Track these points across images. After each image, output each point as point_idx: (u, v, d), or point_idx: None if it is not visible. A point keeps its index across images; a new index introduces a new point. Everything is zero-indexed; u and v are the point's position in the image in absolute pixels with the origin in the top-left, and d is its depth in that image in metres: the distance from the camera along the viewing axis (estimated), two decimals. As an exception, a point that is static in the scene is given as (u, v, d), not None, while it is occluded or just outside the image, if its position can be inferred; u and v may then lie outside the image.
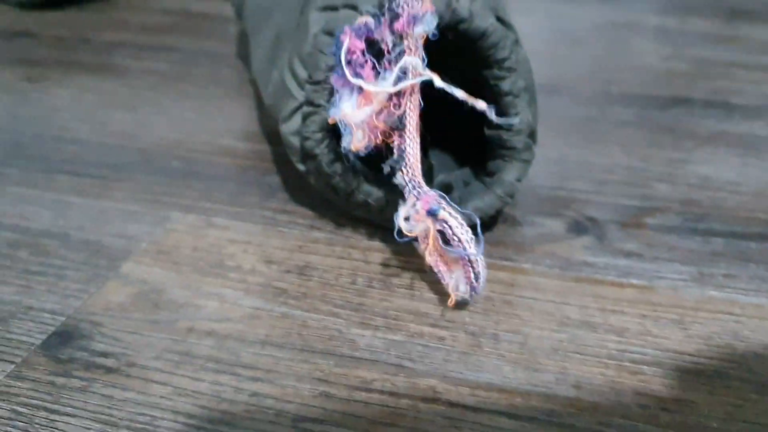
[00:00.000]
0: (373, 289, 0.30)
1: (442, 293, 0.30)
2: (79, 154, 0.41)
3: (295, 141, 0.31)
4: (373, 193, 0.31)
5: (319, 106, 0.30)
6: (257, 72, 0.38)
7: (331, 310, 0.29)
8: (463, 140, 0.36)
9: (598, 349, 0.27)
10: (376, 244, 0.33)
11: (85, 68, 0.53)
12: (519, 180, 0.31)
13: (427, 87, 0.28)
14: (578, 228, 0.35)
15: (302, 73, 0.31)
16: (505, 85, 0.30)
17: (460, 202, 0.31)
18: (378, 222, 0.33)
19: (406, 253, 0.32)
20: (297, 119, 0.31)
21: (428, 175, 0.35)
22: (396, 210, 0.29)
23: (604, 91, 0.49)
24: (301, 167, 0.32)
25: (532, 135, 0.32)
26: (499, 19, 0.30)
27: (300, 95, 0.31)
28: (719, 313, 0.29)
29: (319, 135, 0.30)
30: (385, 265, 0.32)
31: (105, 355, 0.27)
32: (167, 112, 0.46)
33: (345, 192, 0.31)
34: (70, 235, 0.34)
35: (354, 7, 0.30)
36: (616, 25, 0.63)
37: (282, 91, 0.32)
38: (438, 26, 0.28)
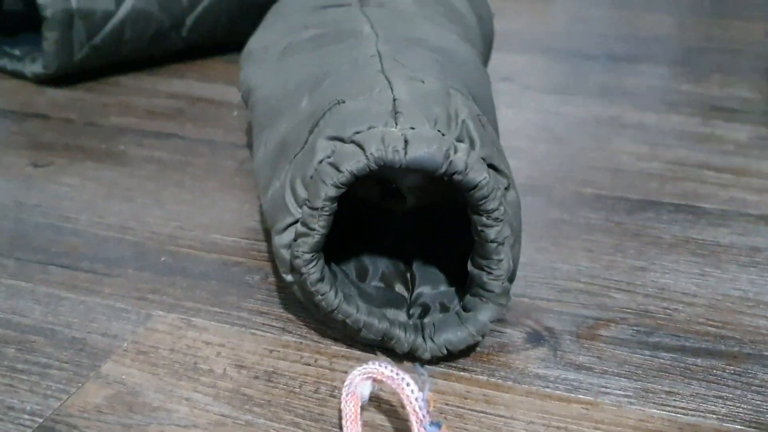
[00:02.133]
0: (335, 399, 0.33)
1: (398, 404, 0.32)
2: (76, 246, 0.44)
3: (285, 254, 0.34)
4: (351, 314, 0.33)
5: (312, 229, 0.32)
6: (258, 170, 0.41)
7: (293, 419, 0.31)
8: (454, 253, 0.38)
9: (538, 467, 0.29)
10: (343, 350, 0.36)
11: (89, 154, 0.56)
12: (492, 321, 0.33)
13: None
14: (535, 339, 0.37)
15: (302, 194, 0.33)
16: (491, 233, 0.32)
17: (434, 331, 0.34)
18: (352, 339, 0.35)
19: (369, 360, 0.35)
20: (290, 234, 0.33)
21: (408, 285, 0.38)
22: (371, 333, 0.32)
23: (578, 192, 0.52)
24: (287, 278, 0.34)
25: (510, 278, 0.34)
26: (493, 167, 0.33)
27: (297, 213, 0.33)
28: (657, 432, 0.31)
29: (308, 256, 0.33)
30: (347, 372, 0.34)
31: (77, 459, 0.29)
32: (163, 205, 0.49)
33: (325, 310, 0.33)
34: (57, 332, 0.37)
35: (360, 146, 0.32)
36: (599, 121, 0.65)
37: (280, 203, 0.34)
38: (435, 174, 0.31)
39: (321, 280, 0.33)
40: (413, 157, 0.31)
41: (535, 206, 0.50)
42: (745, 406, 0.33)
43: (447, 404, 0.32)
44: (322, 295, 0.33)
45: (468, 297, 0.34)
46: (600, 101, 0.71)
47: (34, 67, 0.70)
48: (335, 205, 0.32)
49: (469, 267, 0.34)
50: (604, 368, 0.35)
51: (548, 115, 0.67)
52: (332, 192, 0.31)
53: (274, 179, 0.37)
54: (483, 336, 0.34)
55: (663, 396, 0.33)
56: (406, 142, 0.31)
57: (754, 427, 0.31)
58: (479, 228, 0.32)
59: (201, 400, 0.32)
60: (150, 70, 0.77)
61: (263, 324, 0.37)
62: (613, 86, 0.76)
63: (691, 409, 0.32)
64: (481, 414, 0.32)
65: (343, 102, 0.35)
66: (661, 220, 0.48)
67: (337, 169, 0.31)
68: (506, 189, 0.33)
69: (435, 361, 0.34)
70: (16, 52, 0.73)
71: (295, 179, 0.33)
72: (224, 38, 0.82)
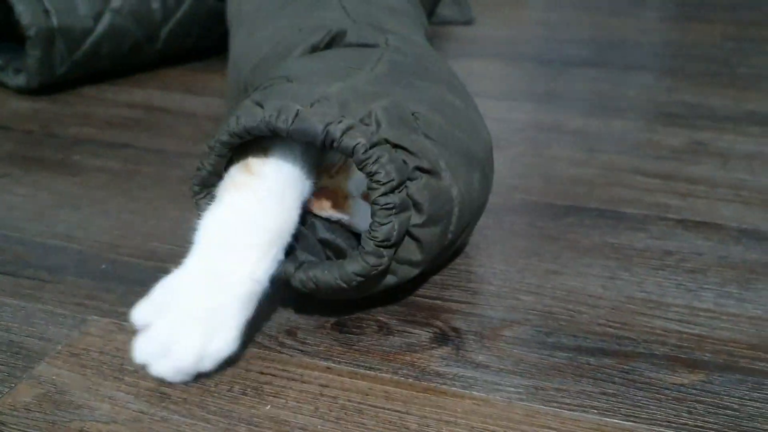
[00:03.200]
0: (246, 397, 0.35)
1: (305, 401, 0.35)
2: (21, 254, 0.47)
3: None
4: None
5: (203, 166, 0.39)
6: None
7: (204, 416, 0.34)
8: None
9: (424, 458, 0.32)
10: (259, 351, 0.38)
11: (45, 165, 0.59)
12: (358, 275, 0.37)
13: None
14: (441, 339, 0.39)
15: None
16: (373, 195, 0.36)
17: (310, 267, 0.38)
18: (276, 342, 0.38)
19: (283, 361, 0.37)
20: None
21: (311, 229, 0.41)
22: None
23: (508, 197, 0.54)
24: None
25: (390, 245, 0.37)
26: (401, 147, 0.37)
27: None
28: (540, 426, 0.34)
29: (197, 188, 0.39)
30: (261, 372, 0.37)
31: (-1, 454, 0.32)
32: (109, 214, 0.51)
33: None
34: (-5, 336, 0.39)
35: (261, 108, 0.37)
36: (542, 128, 0.68)
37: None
38: (316, 142, 0.36)
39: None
40: (296, 127, 0.36)
41: (464, 212, 0.52)
42: (626, 402, 0.35)
43: (349, 401, 0.35)
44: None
45: (352, 251, 0.39)
46: (546, 107, 0.73)
47: (17, 80, 0.74)
48: (227, 150, 0.38)
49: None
50: (501, 367, 0.37)
51: (494, 122, 0.69)
52: (224, 137, 0.37)
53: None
54: (346, 284, 0.37)
55: (552, 393, 0.36)
56: (296, 114, 0.36)
57: (632, 421, 0.34)
58: (368, 189, 0.36)
59: (122, 398, 0.35)
60: (112, 80, 0.79)
61: (189, 327, 0.40)
62: (562, 92, 0.78)
63: (576, 405, 0.35)
64: (380, 409, 0.34)
65: (290, 81, 0.40)
66: (583, 225, 0.51)
67: (236, 122, 0.37)
68: (422, 171, 0.37)
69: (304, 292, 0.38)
70: (-1, 61, 0.76)
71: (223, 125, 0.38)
72: (197, 46, 0.86)
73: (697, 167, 0.61)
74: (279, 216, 0.37)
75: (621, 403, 0.35)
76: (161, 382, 0.36)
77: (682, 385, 0.36)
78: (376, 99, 0.38)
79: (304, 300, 0.42)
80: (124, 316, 0.41)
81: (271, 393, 0.35)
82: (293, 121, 0.36)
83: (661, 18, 1.17)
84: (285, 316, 0.41)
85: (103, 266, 0.45)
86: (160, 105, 0.72)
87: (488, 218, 0.52)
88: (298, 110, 0.36)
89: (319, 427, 0.33)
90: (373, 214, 0.36)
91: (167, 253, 0.47)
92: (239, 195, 0.37)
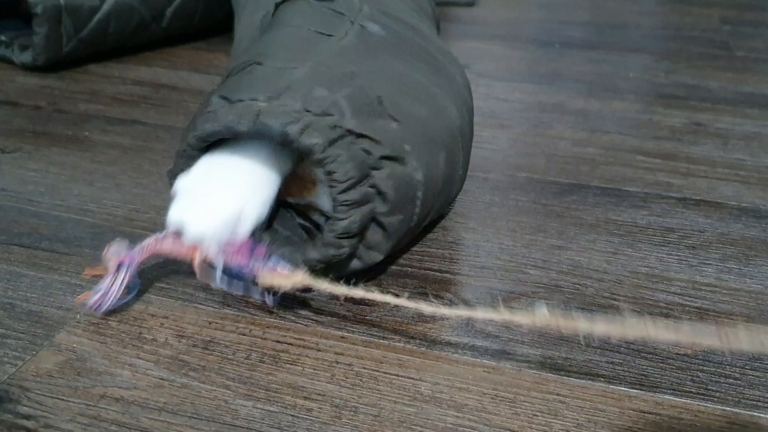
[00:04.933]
0: (264, 364, 0.36)
1: (321, 368, 0.36)
2: (37, 227, 0.47)
3: None
4: None
5: (178, 168, 0.40)
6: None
7: (224, 382, 0.35)
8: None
9: (438, 423, 0.33)
10: (275, 321, 0.39)
11: (55, 140, 0.59)
12: (319, 262, 0.38)
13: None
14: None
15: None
16: (333, 192, 0.37)
17: (281, 247, 0.39)
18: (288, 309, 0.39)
19: (299, 330, 0.38)
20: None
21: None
22: None
23: (512, 175, 0.55)
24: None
25: (349, 237, 0.38)
26: (364, 136, 0.38)
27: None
28: (549, 393, 0.35)
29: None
30: (278, 341, 0.38)
31: (27, 417, 0.33)
32: (122, 188, 0.52)
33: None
34: (16, 305, 0.40)
35: (218, 112, 0.38)
36: (544, 108, 0.69)
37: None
38: (277, 141, 0.37)
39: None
40: (256, 129, 0.37)
41: (470, 189, 0.53)
42: (632, 370, 0.36)
43: (364, 368, 0.36)
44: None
45: (314, 239, 0.40)
46: (547, 88, 0.74)
47: (23, 57, 0.74)
48: (197, 151, 0.39)
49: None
50: (510, 337, 0.38)
51: (497, 102, 0.70)
52: (193, 141, 0.39)
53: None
54: (309, 268, 0.38)
55: (560, 362, 0.37)
56: (257, 116, 0.37)
57: (637, 388, 0.35)
58: (329, 187, 0.38)
59: (142, 365, 0.36)
60: (119, 57, 0.79)
61: (206, 299, 0.41)
62: (562, 73, 0.79)
63: (583, 373, 0.36)
64: (393, 376, 0.36)
65: (260, 64, 0.41)
66: (586, 203, 0.52)
67: (203, 126, 0.38)
68: (387, 159, 0.38)
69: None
70: (3, 37, 0.76)
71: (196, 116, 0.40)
72: (202, 26, 0.86)
73: (696, 147, 0.62)
74: (263, 175, 0.39)
75: (627, 371, 0.36)
76: (180, 350, 0.37)
77: (685, 355, 0.38)
78: (342, 84, 0.39)
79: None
80: (142, 286, 0.42)
81: (288, 361, 0.36)
82: (254, 124, 0.37)
83: (659, 1, 1.18)
84: (299, 288, 0.42)
85: (118, 239, 0.46)
86: (167, 82, 0.73)
87: (494, 195, 0.53)
88: (258, 111, 0.37)
89: (335, 392, 0.35)
90: (333, 209, 0.37)
91: (180, 226, 0.47)
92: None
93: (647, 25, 1.04)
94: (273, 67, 0.41)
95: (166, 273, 0.43)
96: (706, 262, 0.46)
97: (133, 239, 0.45)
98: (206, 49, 0.85)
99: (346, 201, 0.37)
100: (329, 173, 0.37)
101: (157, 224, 0.48)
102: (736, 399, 0.35)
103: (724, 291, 0.43)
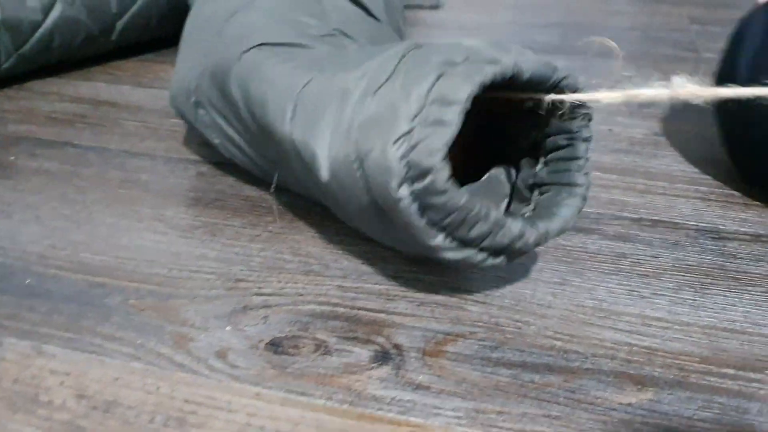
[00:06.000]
0: (168, 428, 0.33)
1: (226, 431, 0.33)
2: (-58, 269, 0.44)
3: (398, 166, 0.34)
4: (475, 205, 0.37)
5: (446, 123, 0.35)
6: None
7: (121, 450, 0.32)
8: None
9: (353, 494, 0.30)
10: (186, 375, 0.36)
11: (-23, 168, 0.56)
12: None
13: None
14: (382, 357, 0.37)
15: (414, 106, 0.35)
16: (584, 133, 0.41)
17: (535, 221, 0.39)
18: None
19: (210, 387, 0.35)
20: (402, 147, 0.34)
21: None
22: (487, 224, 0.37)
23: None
24: (399, 193, 0.35)
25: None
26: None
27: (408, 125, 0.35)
28: (478, 454, 0.32)
29: (442, 154, 0.36)
30: (186, 401, 0.35)
31: None
32: (41, 221, 0.49)
33: (450, 209, 0.36)
34: None
35: (495, 58, 0.36)
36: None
37: (385, 118, 0.35)
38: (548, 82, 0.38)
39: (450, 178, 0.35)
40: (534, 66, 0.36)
41: (413, 215, 0.50)
42: (570, 425, 0.34)
43: (278, 431, 0.33)
44: (449, 193, 0.34)
45: (547, 194, 0.40)
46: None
47: (-43, 75, 0.70)
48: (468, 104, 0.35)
49: (543, 167, 0.41)
50: (442, 387, 0.35)
51: (451, 114, 0.67)
52: (475, 88, 0.35)
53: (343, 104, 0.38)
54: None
55: (492, 416, 0.34)
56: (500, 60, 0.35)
57: (575, 445, 0.33)
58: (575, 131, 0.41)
59: (34, 433, 0.33)
60: (60, 73, 0.76)
61: (114, 350, 0.38)
62: (523, 81, 0.76)
63: (517, 429, 0.33)
64: (309, 440, 0.33)
65: (421, 47, 0.39)
66: (536, 227, 0.49)
67: (478, 70, 0.35)
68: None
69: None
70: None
71: (408, 91, 0.35)
72: (154, 36, 0.83)
73: (656, 161, 0.59)
74: None
75: (565, 426, 0.33)
76: (78, 413, 0.34)
77: (629, 404, 0.35)
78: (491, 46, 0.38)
79: (237, 317, 0.40)
80: (45, 338, 0.38)
81: (195, 424, 0.33)
82: (515, 63, 0.36)
83: (629, 0, 1.15)
84: (217, 336, 0.39)
85: (28, 281, 0.43)
86: (106, 98, 0.69)
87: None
88: (494, 58, 0.36)
89: (243, 461, 0.32)
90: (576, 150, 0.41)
91: (98, 265, 0.44)
92: None
93: (615, 26, 1.02)
94: (432, 44, 0.39)
95: (75, 319, 0.40)
96: (659, 293, 0.43)
97: (43, 281, 0.42)
98: (154, 60, 0.82)
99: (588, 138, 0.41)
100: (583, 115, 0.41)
101: (73, 262, 0.44)
102: (681, 457, 0.32)
103: (676, 327, 0.40)
